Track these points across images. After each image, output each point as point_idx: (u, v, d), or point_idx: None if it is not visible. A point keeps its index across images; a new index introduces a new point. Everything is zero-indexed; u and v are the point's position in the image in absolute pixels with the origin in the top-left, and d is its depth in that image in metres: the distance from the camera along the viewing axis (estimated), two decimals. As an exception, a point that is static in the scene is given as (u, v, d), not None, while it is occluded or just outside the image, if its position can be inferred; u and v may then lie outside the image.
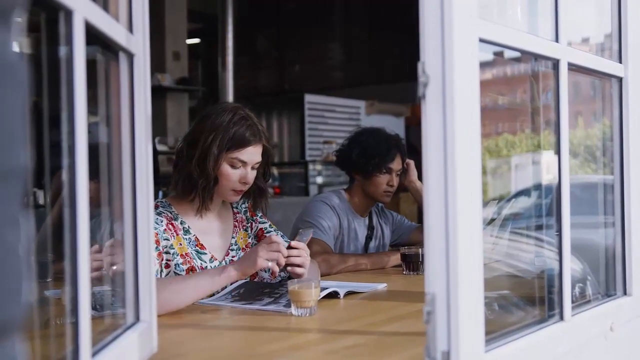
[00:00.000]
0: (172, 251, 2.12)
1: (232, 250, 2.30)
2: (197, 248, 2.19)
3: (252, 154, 2.20)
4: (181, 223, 2.20)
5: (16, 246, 0.57)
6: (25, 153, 0.58)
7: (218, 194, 2.24)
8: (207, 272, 2.06)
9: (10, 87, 0.55)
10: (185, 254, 2.16)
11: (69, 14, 0.98)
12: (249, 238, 2.37)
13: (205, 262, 2.19)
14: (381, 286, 2.31)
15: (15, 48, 0.58)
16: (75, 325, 0.99)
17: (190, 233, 2.20)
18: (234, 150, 2.17)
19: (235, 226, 2.35)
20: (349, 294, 2.14)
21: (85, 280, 1.00)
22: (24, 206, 0.59)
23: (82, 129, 1.00)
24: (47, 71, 1.02)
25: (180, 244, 2.16)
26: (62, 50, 1.00)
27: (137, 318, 1.35)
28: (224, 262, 2.24)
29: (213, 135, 2.14)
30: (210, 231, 2.27)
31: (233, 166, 2.18)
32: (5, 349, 0.56)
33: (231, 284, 2.13)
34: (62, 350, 1.04)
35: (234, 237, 2.33)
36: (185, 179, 2.18)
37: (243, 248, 2.33)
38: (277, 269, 2.01)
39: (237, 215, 2.38)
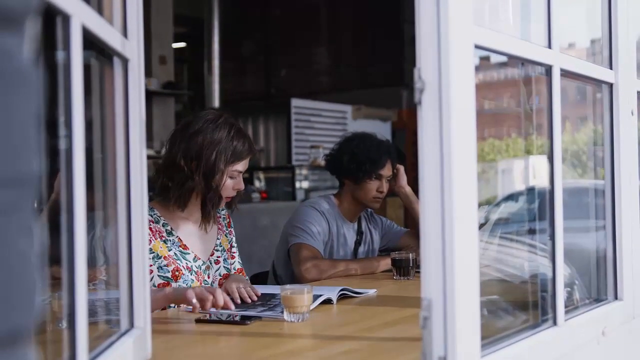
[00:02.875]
0: (151, 255, 2.16)
1: (217, 250, 2.39)
2: (180, 249, 2.25)
3: (247, 163, 2.31)
4: (163, 225, 2.26)
5: (29, 254, 0.56)
6: (37, 160, 0.57)
7: None
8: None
9: (23, 94, 0.55)
10: (168, 255, 2.21)
11: (66, 18, 0.98)
12: (228, 243, 2.46)
13: (190, 261, 2.26)
14: (372, 292, 2.31)
15: (28, 55, 0.57)
16: (72, 331, 0.98)
17: (173, 235, 2.26)
18: (235, 163, 2.26)
19: (219, 228, 2.43)
20: (341, 297, 2.14)
21: (83, 287, 0.99)
22: (36, 213, 0.58)
23: (79, 133, 0.99)
24: (43, 76, 1.01)
25: (161, 247, 2.21)
26: (59, 55, 0.99)
27: (131, 324, 1.34)
28: (208, 262, 2.32)
29: (216, 151, 2.21)
30: (194, 233, 2.33)
31: (231, 177, 2.27)
32: (19, 356, 0.55)
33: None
34: (57, 357, 1.04)
35: (218, 239, 2.41)
36: (187, 193, 2.23)
37: (227, 250, 2.43)
38: (198, 307, 1.89)
39: (219, 219, 2.46)
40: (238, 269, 2.46)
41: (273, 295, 2.14)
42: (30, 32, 0.59)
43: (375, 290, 2.33)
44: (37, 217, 0.58)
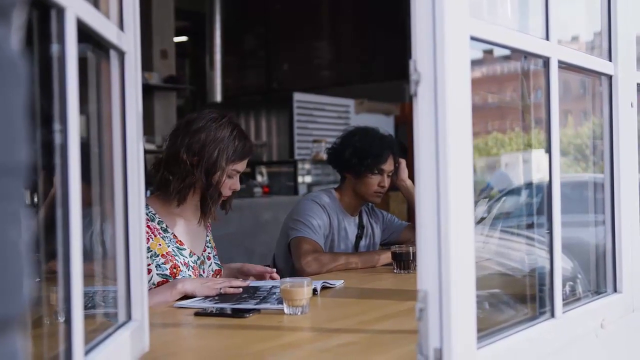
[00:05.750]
0: (149, 254, 2.18)
1: (207, 247, 2.43)
2: (177, 245, 2.28)
3: (245, 164, 2.35)
4: (158, 223, 2.28)
5: (18, 243, 0.57)
6: (26, 150, 0.58)
7: None
8: (160, 291, 2.10)
9: (11, 83, 0.55)
10: (166, 252, 2.23)
11: (60, 11, 0.98)
12: (213, 241, 2.50)
13: (186, 257, 2.29)
14: (338, 283, 2.34)
15: (15, 45, 0.58)
16: (68, 324, 0.98)
17: (168, 232, 2.28)
18: (235, 162, 2.28)
19: (208, 227, 2.46)
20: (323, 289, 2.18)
21: (78, 280, 0.99)
22: (25, 203, 0.59)
23: (74, 127, 0.99)
24: (38, 69, 1.01)
25: (160, 245, 2.23)
26: (54, 48, 0.99)
27: (129, 317, 1.34)
28: (202, 257, 2.36)
29: (218, 148, 2.23)
30: (187, 229, 2.35)
31: (230, 177, 2.29)
32: (7, 345, 0.56)
33: None
34: (53, 349, 1.04)
35: (208, 236, 2.45)
36: (187, 188, 2.26)
37: (214, 247, 2.47)
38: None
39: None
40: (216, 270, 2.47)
41: (257, 288, 2.16)
42: (17, 22, 0.59)
43: (343, 281, 2.35)
44: (26, 207, 0.59)
